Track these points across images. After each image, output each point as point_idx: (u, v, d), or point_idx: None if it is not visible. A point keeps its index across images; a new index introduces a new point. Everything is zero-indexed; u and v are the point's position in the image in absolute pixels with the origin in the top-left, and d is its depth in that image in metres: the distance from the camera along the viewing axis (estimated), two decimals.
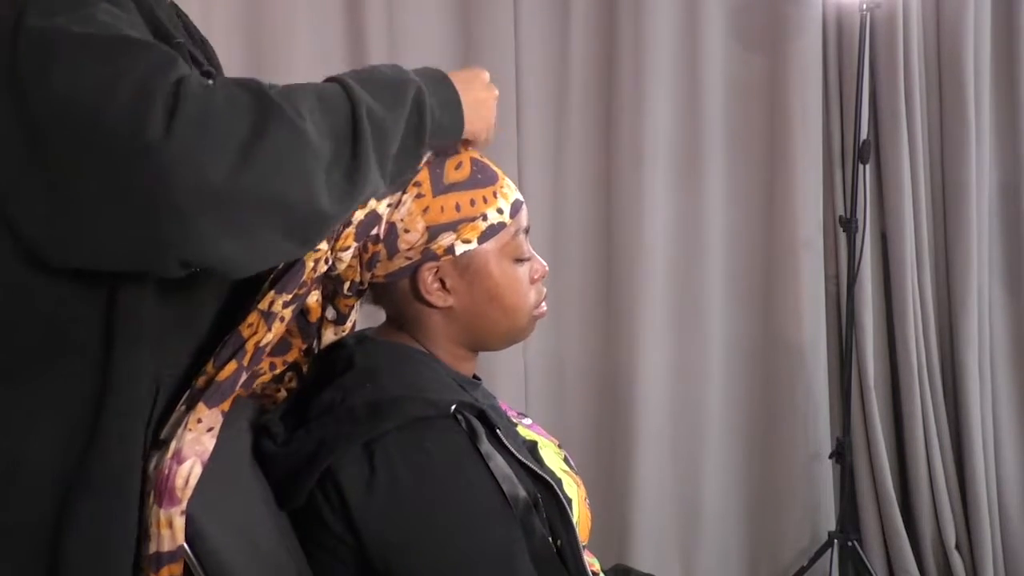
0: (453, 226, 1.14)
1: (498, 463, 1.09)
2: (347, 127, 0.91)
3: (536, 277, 1.23)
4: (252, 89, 0.87)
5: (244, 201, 0.84)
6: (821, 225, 2.76)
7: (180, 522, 0.95)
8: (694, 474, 2.78)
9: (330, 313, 1.22)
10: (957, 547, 2.73)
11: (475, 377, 1.26)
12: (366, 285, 1.19)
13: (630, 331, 2.71)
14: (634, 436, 2.71)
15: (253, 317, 1.05)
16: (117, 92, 0.81)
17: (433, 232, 1.14)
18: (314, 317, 1.18)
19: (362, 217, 1.10)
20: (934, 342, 2.76)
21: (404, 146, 0.99)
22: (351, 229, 1.10)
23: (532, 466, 1.13)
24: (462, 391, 1.16)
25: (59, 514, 0.91)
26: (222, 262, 0.88)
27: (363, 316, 1.27)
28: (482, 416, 1.11)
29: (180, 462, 0.95)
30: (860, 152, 2.54)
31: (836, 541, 2.61)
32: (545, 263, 1.25)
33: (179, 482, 0.95)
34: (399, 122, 0.97)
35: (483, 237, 1.16)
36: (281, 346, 1.16)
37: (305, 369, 1.23)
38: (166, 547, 0.95)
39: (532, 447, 1.20)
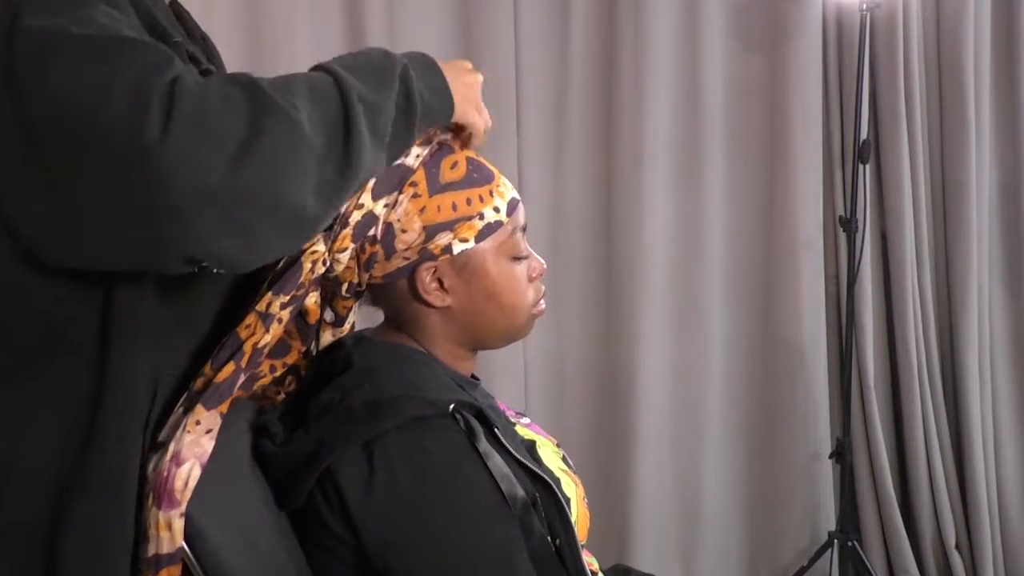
0: (450, 225, 1.14)
1: (496, 462, 1.09)
2: (339, 116, 0.91)
3: (534, 275, 1.23)
4: (246, 85, 0.87)
5: (243, 198, 0.84)
6: (821, 225, 2.77)
7: (179, 524, 0.95)
8: (694, 474, 2.78)
9: (328, 315, 1.22)
10: (957, 547, 2.73)
11: (473, 377, 1.26)
12: (364, 286, 1.19)
13: (630, 330, 2.71)
14: (634, 435, 2.71)
15: (251, 319, 1.05)
16: (113, 92, 0.81)
17: (430, 232, 1.14)
18: (313, 319, 1.18)
19: (359, 218, 1.10)
20: (934, 342, 2.76)
21: (397, 129, 0.99)
22: (348, 230, 1.10)
23: (530, 465, 1.13)
24: (460, 390, 1.16)
25: (56, 514, 0.91)
26: (223, 259, 0.88)
27: (362, 317, 1.27)
28: (480, 415, 1.11)
29: (179, 464, 0.95)
30: (860, 152, 2.54)
31: (836, 541, 2.61)
32: (543, 261, 1.25)
33: (178, 484, 0.95)
34: (389, 104, 0.97)
35: (480, 236, 1.16)
36: (280, 348, 1.16)
37: (303, 371, 1.23)
38: (165, 549, 0.95)
39: (530, 446, 1.20)
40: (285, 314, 1.06)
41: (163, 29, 0.99)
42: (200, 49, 1.11)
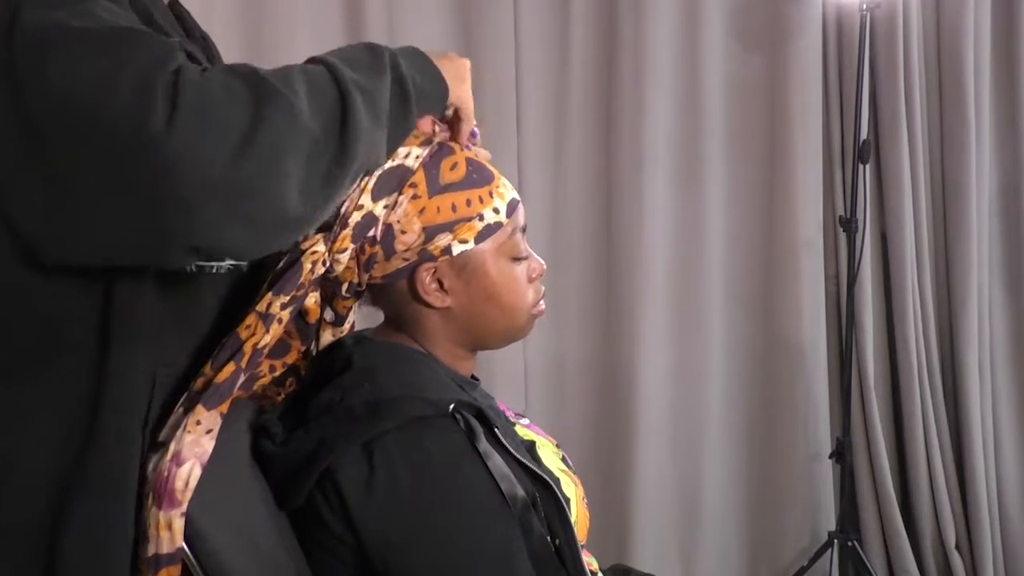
0: (449, 226, 1.14)
1: (496, 462, 1.09)
2: (336, 103, 0.91)
3: (534, 276, 1.23)
4: (247, 75, 0.87)
5: (247, 186, 0.84)
6: (821, 225, 2.77)
7: (180, 524, 0.95)
8: (694, 474, 2.78)
9: (328, 315, 1.22)
10: (957, 547, 2.73)
11: (473, 377, 1.26)
12: (364, 286, 1.19)
13: (630, 331, 2.71)
14: (634, 436, 2.71)
15: (251, 319, 1.05)
16: (117, 84, 0.81)
17: (430, 233, 1.14)
18: (313, 319, 1.18)
19: (359, 219, 1.10)
20: (934, 342, 2.76)
21: (394, 114, 0.99)
22: (348, 231, 1.10)
23: (530, 465, 1.13)
24: (460, 391, 1.16)
25: (56, 514, 0.91)
26: (229, 248, 0.88)
27: (362, 317, 1.27)
28: (480, 415, 1.11)
29: (179, 464, 0.95)
30: (860, 152, 2.54)
31: (836, 541, 2.61)
32: (543, 261, 1.25)
33: (179, 484, 0.95)
34: (384, 90, 0.98)
35: (480, 237, 1.16)
36: (280, 348, 1.16)
37: (304, 371, 1.23)
38: (165, 549, 0.95)
39: (530, 446, 1.20)
40: (285, 314, 1.06)
41: (161, 29, 0.99)
42: (200, 49, 1.11)
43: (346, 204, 1.09)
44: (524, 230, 1.22)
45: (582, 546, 1.18)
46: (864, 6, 2.49)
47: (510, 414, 1.29)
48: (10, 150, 0.85)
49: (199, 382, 1.01)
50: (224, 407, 1.01)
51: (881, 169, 2.74)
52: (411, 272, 1.16)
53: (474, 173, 1.16)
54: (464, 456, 1.08)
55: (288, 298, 1.06)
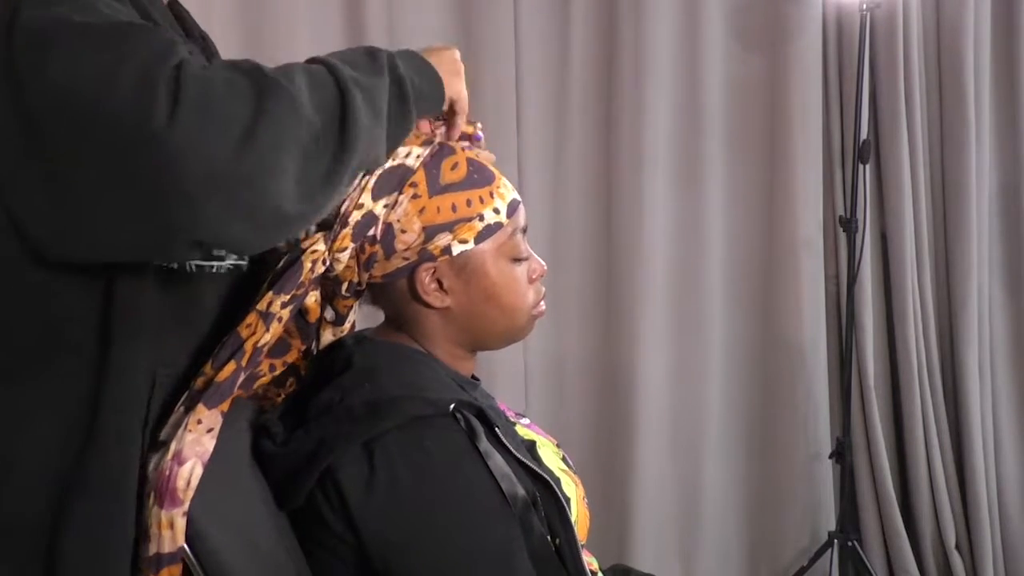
0: (449, 226, 1.14)
1: (497, 462, 1.09)
2: (336, 99, 0.91)
3: (534, 276, 1.23)
4: (249, 70, 0.87)
5: (249, 180, 0.84)
6: (821, 225, 2.77)
7: (181, 523, 0.95)
8: (694, 474, 2.78)
9: (329, 314, 1.22)
10: (957, 547, 2.73)
11: (473, 377, 1.26)
12: (364, 286, 1.19)
13: (630, 331, 2.71)
14: (634, 436, 2.71)
15: (252, 318, 1.05)
16: (119, 79, 0.81)
17: (430, 233, 1.14)
18: (313, 318, 1.18)
19: (359, 218, 1.10)
20: (934, 342, 2.76)
21: (393, 112, 0.99)
22: (348, 230, 1.10)
23: (531, 464, 1.13)
24: (461, 390, 1.16)
25: (56, 514, 0.91)
26: (232, 242, 0.89)
27: (362, 317, 1.27)
28: (481, 415, 1.11)
29: (181, 463, 0.96)
30: (860, 152, 2.54)
31: (836, 541, 2.61)
32: (543, 262, 1.25)
33: (180, 483, 0.95)
34: (383, 90, 0.98)
35: (480, 237, 1.16)
36: (280, 347, 1.16)
37: (304, 371, 1.23)
38: (166, 548, 0.95)
39: (531, 446, 1.20)
40: (285, 313, 1.06)
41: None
42: (199, 48, 1.11)
43: (346, 203, 1.10)
44: (525, 231, 1.22)
45: (582, 546, 1.18)
46: (864, 6, 2.49)
47: (510, 414, 1.29)
48: (11, 147, 0.85)
49: (200, 381, 1.01)
50: (225, 406, 1.01)
51: (881, 169, 2.74)
52: (411, 272, 1.16)
53: (475, 173, 1.16)
54: (464, 455, 1.08)
55: (288, 297, 1.06)
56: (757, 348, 2.80)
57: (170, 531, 0.94)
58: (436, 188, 1.14)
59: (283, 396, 1.22)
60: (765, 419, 2.81)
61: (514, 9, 2.64)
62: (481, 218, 1.15)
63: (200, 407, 0.99)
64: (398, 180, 1.12)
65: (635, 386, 2.71)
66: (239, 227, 0.86)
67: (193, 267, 0.99)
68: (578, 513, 1.20)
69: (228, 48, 1.21)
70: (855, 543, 2.58)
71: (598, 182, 2.73)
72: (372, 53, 1.01)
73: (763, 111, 2.74)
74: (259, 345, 1.04)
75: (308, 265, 1.07)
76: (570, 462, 1.29)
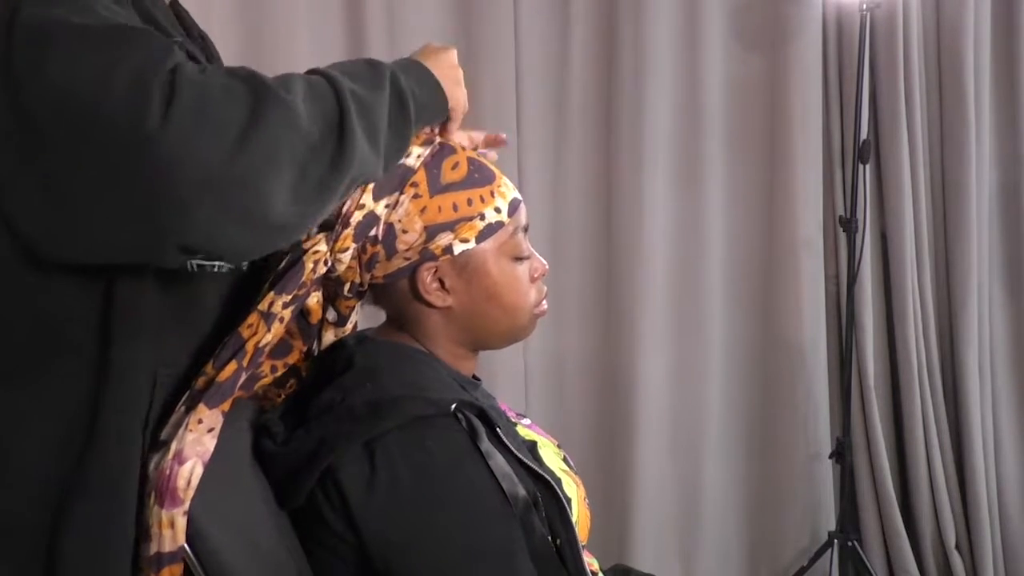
0: (451, 226, 1.14)
1: (498, 462, 1.09)
2: (334, 111, 0.91)
3: (536, 275, 1.23)
4: (247, 78, 0.87)
5: (242, 186, 0.84)
6: (821, 225, 2.77)
7: (182, 522, 0.95)
8: (694, 474, 2.78)
9: (331, 315, 1.22)
10: (957, 547, 2.73)
11: (474, 377, 1.26)
12: (366, 286, 1.19)
13: (630, 331, 2.71)
14: (634, 436, 2.71)
15: (253, 318, 1.05)
16: (113, 82, 0.81)
17: (431, 232, 1.14)
18: (315, 319, 1.18)
19: (361, 218, 1.10)
20: (934, 342, 2.76)
21: (393, 127, 0.99)
22: (350, 230, 1.10)
23: (532, 465, 1.13)
24: (462, 390, 1.16)
25: (56, 515, 0.91)
26: (222, 247, 0.88)
27: (364, 317, 1.27)
28: (482, 415, 1.11)
29: (182, 463, 0.95)
30: (860, 152, 2.54)
31: (836, 541, 2.61)
32: (545, 261, 1.25)
33: (181, 483, 0.95)
34: (383, 105, 0.98)
35: (481, 236, 1.16)
36: (282, 348, 1.16)
37: (305, 372, 1.23)
38: (167, 548, 0.95)
39: (532, 447, 1.20)
40: (287, 313, 1.06)
41: (162, 28, 0.99)
42: (199, 48, 1.12)
43: (348, 203, 1.10)
44: (526, 230, 1.22)
45: (583, 546, 1.18)
46: (864, 6, 2.49)
47: (511, 414, 1.29)
48: (8, 148, 0.84)
49: (201, 381, 1.01)
50: (226, 406, 1.01)
51: (881, 169, 2.74)
52: (412, 271, 1.16)
53: (475, 172, 1.16)
54: (466, 456, 1.08)
55: (290, 297, 1.06)
56: (757, 348, 2.80)
57: (171, 530, 0.94)
58: (437, 187, 1.14)
59: (283, 396, 1.22)
60: (765, 419, 2.81)
61: (514, 9, 2.64)
62: (482, 217, 1.15)
63: (201, 407, 0.99)
64: (399, 180, 1.12)
65: (635, 386, 2.71)
66: (230, 233, 0.86)
67: (195, 267, 0.99)
68: (579, 514, 1.20)
69: (228, 48, 1.21)
70: (855, 543, 2.58)
71: (598, 182, 2.73)
72: (374, 65, 1.01)
73: (763, 111, 2.74)
74: (260, 345, 1.04)
75: (310, 265, 1.07)
76: (571, 463, 1.29)
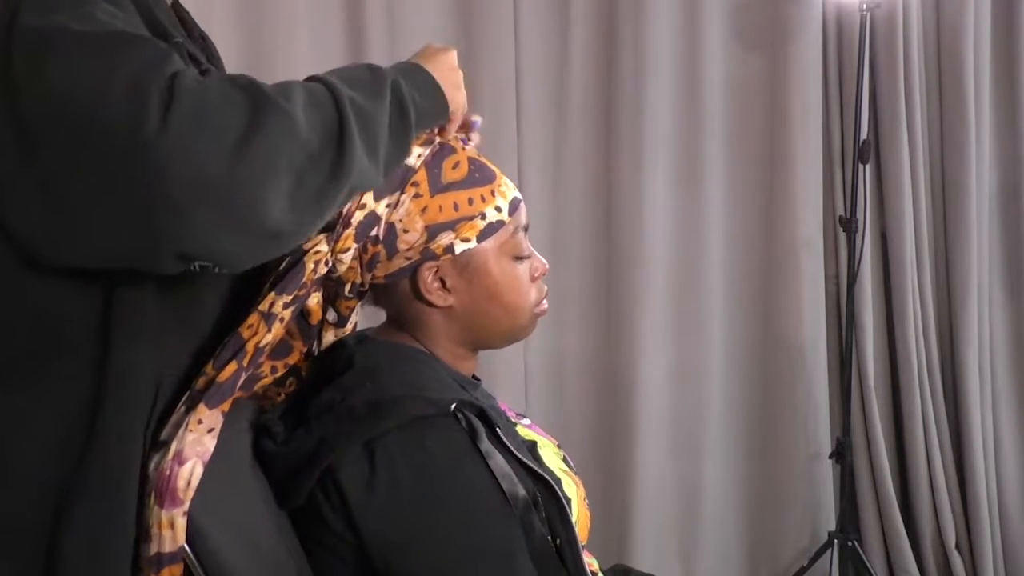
0: (452, 225, 1.14)
1: (498, 462, 1.09)
2: (334, 120, 0.91)
3: (536, 275, 1.23)
4: (246, 86, 0.87)
5: (239, 193, 0.84)
6: (821, 225, 2.77)
7: (182, 523, 0.95)
8: (694, 474, 2.78)
9: (331, 315, 1.22)
10: (957, 547, 2.73)
11: (474, 377, 1.26)
12: (367, 286, 1.19)
13: (630, 331, 2.71)
14: (634, 436, 2.71)
15: (254, 318, 1.05)
16: (112, 87, 0.81)
17: (432, 232, 1.14)
18: (315, 319, 1.18)
19: (361, 218, 1.10)
20: (934, 342, 2.76)
21: (393, 135, 0.99)
22: (351, 230, 1.10)
23: (532, 465, 1.13)
24: (462, 390, 1.16)
25: (56, 515, 0.91)
26: (219, 255, 0.88)
27: (364, 317, 1.27)
28: (482, 415, 1.11)
29: (182, 463, 0.95)
30: (860, 152, 2.54)
31: (836, 541, 2.61)
32: (545, 261, 1.25)
33: (181, 483, 0.95)
34: (383, 114, 0.98)
35: (482, 236, 1.16)
36: (282, 348, 1.16)
37: (305, 372, 1.23)
38: (167, 548, 0.95)
39: (531, 447, 1.20)
40: (287, 314, 1.07)
41: (164, 29, 0.99)
42: (200, 49, 1.12)
43: (349, 204, 1.10)
44: (526, 229, 1.22)
45: (583, 546, 1.18)
46: (864, 6, 2.49)
47: (511, 414, 1.29)
48: (6, 153, 0.84)
49: (201, 381, 1.01)
50: (226, 406, 1.01)
51: (881, 169, 2.74)
52: (413, 271, 1.16)
53: (476, 172, 1.17)
54: (465, 455, 1.08)
55: (291, 297, 1.06)
56: (757, 348, 2.80)
57: (171, 531, 0.94)
58: (438, 187, 1.14)
59: (282, 395, 1.22)
60: (765, 419, 2.81)
61: (514, 9, 2.64)
62: (483, 216, 1.15)
63: (201, 407, 0.99)
64: (400, 180, 1.12)
65: (635, 386, 2.71)
66: (226, 240, 0.86)
67: (197, 267, 0.99)
68: (579, 514, 1.20)
69: (228, 48, 1.21)
70: (855, 543, 2.58)
71: (598, 182, 2.73)
72: (374, 72, 1.01)
73: (763, 111, 2.74)
74: (260, 345, 1.04)
75: (311, 266, 1.07)
76: (571, 463, 1.30)
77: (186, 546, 0.96)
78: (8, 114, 0.83)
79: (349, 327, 1.24)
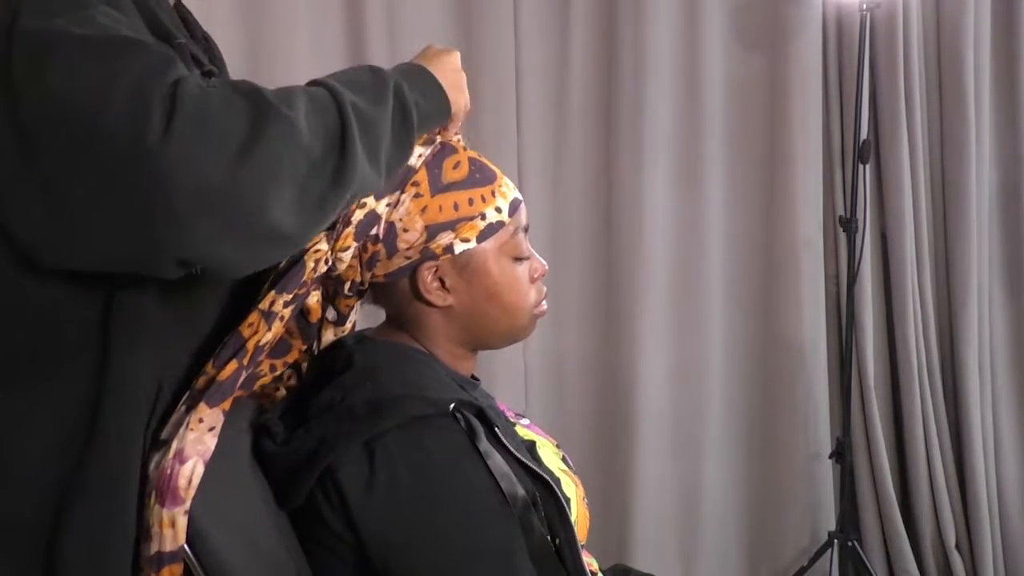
0: (452, 225, 1.14)
1: (497, 461, 1.09)
2: (336, 126, 0.91)
3: (536, 276, 1.23)
4: (248, 92, 0.87)
5: (241, 201, 0.84)
6: (821, 225, 2.77)
7: (183, 522, 0.95)
8: (694, 474, 2.78)
9: (330, 314, 1.22)
10: (957, 547, 2.73)
11: (474, 377, 1.26)
12: (366, 285, 1.19)
13: (630, 331, 2.71)
14: (634, 436, 2.71)
15: (254, 317, 1.05)
16: (113, 94, 0.80)
17: (432, 231, 1.14)
18: (315, 318, 1.19)
19: (361, 217, 1.10)
20: (934, 342, 2.76)
21: (395, 139, 0.99)
22: (351, 229, 1.10)
23: (531, 464, 1.13)
24: (461, 390, 1.16)
25: (56, 516, 0.91)
26: (220, 262, 0.88)
27: (363, 317, 1.27)
28: (481, 414, 1.12)
29: (183, 462, 0.95)
30: (860, 152, 2.54)
31: (836, 541, 2.61)
32: (545, 262, 1.25)
33: (182, 482, 0.95)
34: (385, 118, 0.98)
35: (482, 236, 1.16)
36: (281, 347, 1.16)
37: (304, 368, 1.23)
38: (168, 547, 0.95)
39: (531, 446, 1.20)
40: (287, 312, 1.07)
41: (167, 30, 0.98)
42: (202, 50, 1.11)
43: (339, 213, 1.09)
44: (526, 230, 1.22)
45: (582, 546, 1.18)
46: (864, 6, 2.49)
47: (510, 414, 1.29)
48: (7, 156, 0.84)
49: (201, 380, 1.02)
50: (226, 404, 1.01)
51: (881, 169, 2.74)
52: (413, 271, 1.16)
53: (476, 172, 1.17)
54: (464, 455, 1.08)
55: (291, 296, 1.06)
56: (757, 348, 2.80)
57: (171, 530, 0.94)
58: (438, 187, 1.14)
59: (281, 390, 1.22)
60: (765, 419, 2.81)
61: (514, 9, 2.64)
62: (483, 217, 1.16)
63: (202, 406, 0.99)
64: (400, 179, 1.12)
65: (635, 386, 2.71)
66: (226, 247, 0.86)
67: (199, 269, 0.99)
68: (578, 513, 1.20)
69: (229, 49, 1.21)
70: (855, 543, 2.58)
71: (598, 182, 2.73)
72: (377, 75, 1.01)
73: (763, 111, 2.74)
74: (261, 344, 1.04)
75: (311, 264, 1.07)
76: (570, 462, 1.30)
77: (186, 546, 0.96)
78: (8, 117, 0.83)
79: (348, 326, 1.24)
